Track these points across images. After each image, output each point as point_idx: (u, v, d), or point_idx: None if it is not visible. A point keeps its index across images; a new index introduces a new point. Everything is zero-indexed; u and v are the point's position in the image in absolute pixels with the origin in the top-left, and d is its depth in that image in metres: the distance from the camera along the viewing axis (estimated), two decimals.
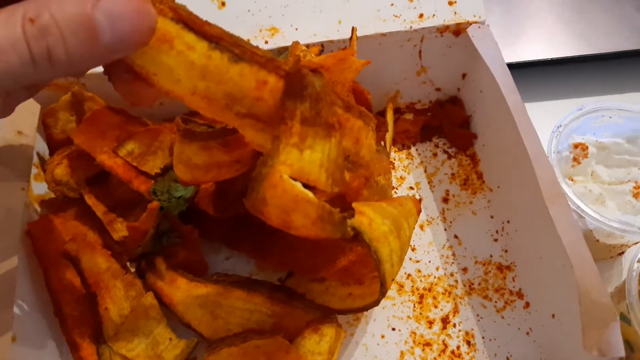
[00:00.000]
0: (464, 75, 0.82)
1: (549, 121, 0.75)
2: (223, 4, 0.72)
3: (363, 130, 0.55)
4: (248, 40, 0.70)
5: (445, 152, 0.84)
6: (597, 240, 0.71)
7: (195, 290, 0.65)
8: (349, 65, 0.62)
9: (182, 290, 0.66)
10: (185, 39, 0.43)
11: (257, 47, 0.46)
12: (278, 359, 0.59)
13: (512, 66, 0.72)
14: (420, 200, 0.79)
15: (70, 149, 0.69)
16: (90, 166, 0.69)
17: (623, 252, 0.76)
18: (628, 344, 0.64)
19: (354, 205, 0.51)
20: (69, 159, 0.68)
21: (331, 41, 0.73)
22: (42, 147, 0.74)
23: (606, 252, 0.74)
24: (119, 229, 0.68)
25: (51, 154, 0.74)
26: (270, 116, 0.47)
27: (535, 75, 0.91)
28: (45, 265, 0.65)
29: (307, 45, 0.72)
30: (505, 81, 0.69)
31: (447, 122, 0.84)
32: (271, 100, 0.47)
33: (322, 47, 0.72)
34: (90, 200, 0.68)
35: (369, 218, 0.52)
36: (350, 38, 0.68)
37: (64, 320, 0.65)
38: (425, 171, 0.82)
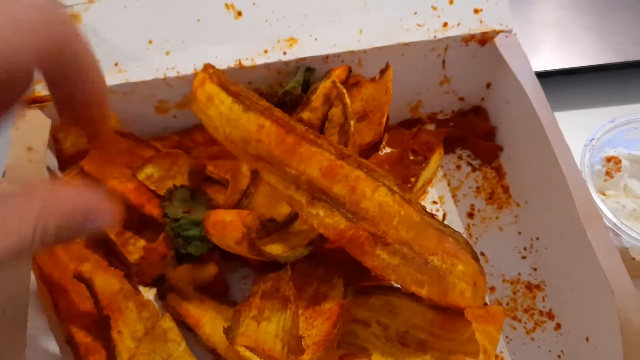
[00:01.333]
0: (488, 85, 0.79)
1: (577, 131, 0.72)
2: (240, 13, 0.69)
3: (363, 181, 0.56)
4: (265, 51, 0.68)
5: (470, 164, 0.80)
6: (633, 259, 0.68)
7: (224, 312, 0.63)
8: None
9: (210, 312, 0.63)
10: (220, 96, 0.60)
11: (261, 99, 0.60)
12: None
13: (537, 75, 0.69)
14: (444, 215, 0.76)
15: (77, 168, 0.66)
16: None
17: None
18: None
19: (480, 343, 0.55)
20: (77, 179, 0.66)
21: (352, 52, 0.70)
22: (52, 162, 0.71)
23: None
24: (133, 251, 0.65)
25: (61, 168, 0.72)
26: (271, 157, 0.58)
27: (561, 84, 0.88)
28: (53, 292, 0.63)
29: (327, 57, 0.69)
30: (535, 94, 0.66)
31: (470, 133, 0.80)
32: (267, 141, 0.58)
33: (350, 70, 0.70)
34: None
35: (488, 357, 0.55)
36: (384, 73, 0.68)
37: (76, 349, 0.63)
38: (449, 184, 0.79)
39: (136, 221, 0.67)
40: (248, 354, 0.53)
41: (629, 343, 0.54)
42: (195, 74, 0.68)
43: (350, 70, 0.69)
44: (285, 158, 0.57)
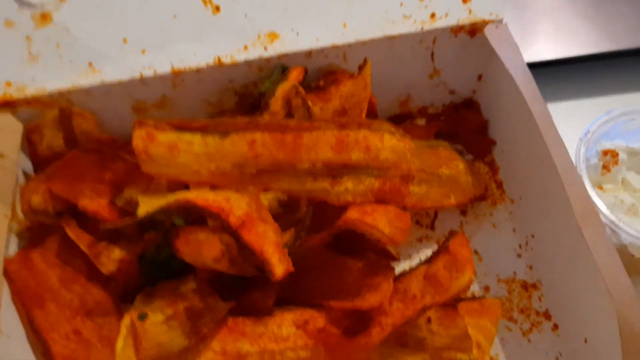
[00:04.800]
0: (479, 77, 0.76)
1: (573, 122, 0.70)
2: (218, 8, 0.66)
3: (371, 137, 0.59)
4: (245, 47, 0.66)
5: None
6: (633, 256, 0.65)
7: None
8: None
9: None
10: (185, 139, 0.56)
11: (236, 117, 0.59)
12: None
13: (530, 66, 0.66)
14: (436, 213, 0.73)
15: (46, 173, 0.63)
16: None
17: None
18: None
19: (472, 338, 0.56)
20: (47, 185, 0.63)
21: (336, 46, 0.67)
22: (27, 166, 0.69)
23: None
24: (107, 263, 0.62)
25: (36, 171, 0.69)
26: (277, 164, 0.57)
27: (554, 74, 0.85)
28: (28, 305, 0.60)
29: (310, 52, 0.66)
30: (527, 87, 0.63)
31: (462, 127, 0.78)
32: (266, 152, 0.56)
33: (306, 71, 0.67)
34: (72, 232, 0.63)
35: (483, 351, 0.58)
36: (362, 68, 0.65)
37: None
38: None
39: (110, 231, 0.65)
40: None
41: (627, 346, 0.52)
42: (174, 73, 0.65)
43: (306, 71, 0.67)
44: (292, 157, 0.57)
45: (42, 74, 0.64)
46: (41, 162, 0.67)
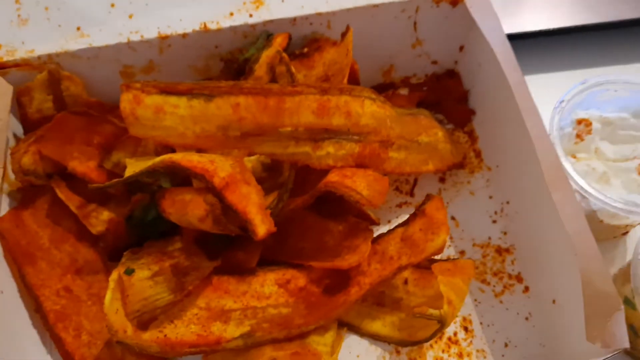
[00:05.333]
0: (461, 48, 0.78)
1: (551, 94, 0.71)
2: None
3: (352, 102, 0.60)
4: (231, 13, 0.67)
5: None
6: (601, 221, 0.68)
7: None
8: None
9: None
10: (171, 101, 0.57)
11: (220, 81, 0.59)
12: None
13: (511, 37, 0.68)
14: (416, 180, 0.76)
15: (36, 134, 0.65)
16: None
17: (627, 232, 0.73)
18: (632, 328, 0.62)
19: (444, 295, 0.60)
20: (37, 146, 0.64)
21: (320, 14, 0.68)
22: (17, 128, 0.70)
23: (610, 233, 0.72)
24: (96, 224, 0.64)
25: (26, 133, 0.70)
26: (260, 128, 0.58)
27: (536, 46, 0.87)
28: (20, 262, 0.62)
29: (295, 19, 0.68)
30: (505, 56, 0.65)
31: (444, 97, 0.80)
32: (250, 115, 0.57)
33: (290, 38, 0.69)
34: (62, 193, 0.65)
35: (453, 307, 0.60)
36: (345, 36, 0.67)
37: (46, 317, 0.63)
38: None
39: (99, 193, 0.66)
40: None
41: (591, 303, 0.55)
42: (161, 37, 0.67)
43: (290, 38, 0.68)
44: (275, 120, 0.59)
45: (31, 37, 0.65)
46: (31, 125, 0.69)
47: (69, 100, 0.68)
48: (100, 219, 0.66)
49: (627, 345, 0.53)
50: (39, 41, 0.65)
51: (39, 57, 0.65)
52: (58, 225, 0.68)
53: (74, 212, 0.66)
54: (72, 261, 0.67)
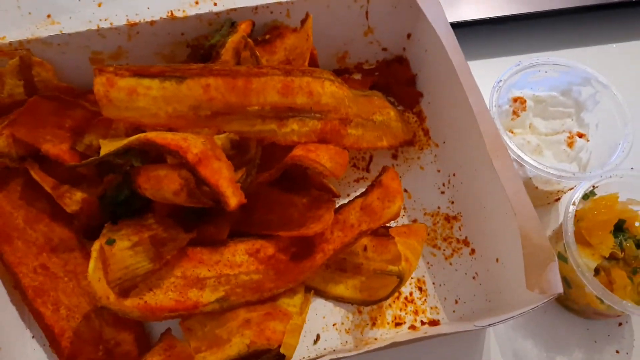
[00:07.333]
0: (409, 35, 0.84)
1: (490, 77, 0.78)
2: None
3: (313, 83, 0.66)
4: (196, 2, 0.71)
5: None
6: (536, 188, 0.76)
7: None
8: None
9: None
10: (143, 83, 0.60)
11: (190, 64, 0.63)
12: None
13: (454, 25, 0.74)
14: (371, 157, 0.82)
15: (9, 118, 0.67)
16: None
17: (559, 199, 0.82)
18: (565, 280, 0.70)
19: (401, 253, 0.65)
20: (10, 129, 0.67)
21: (280, 3, 0.73)
22: None
23: (544, 199, 0.80)
24: (70, 204, 0.67)
25: None
26: (229, 107, 0.62)
27: (476, 33, 0.95)
28: None
29: (256, 8, 0.73)
30: (449, 41, 0.72)
31: (394, 81, 0.86)
32: (219, 95, 0.61)
33: (254, 24, 0.73)
34: (37, 174, 0.67)
35: (410, 264, 0.66)
36: (304, 22, 0.71)
37: (25, 292, 0.65)
38: None
39: (72, 175, 0.69)
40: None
41: (529, 256, 0.62)
42: (129, 25, 0.70)
43: (253, 25, 0.73)
44: (243, 100, 0.63)
45: (2, 24, 0.67)
46: (3, 109, 0.70)
47: (40, 86, 0.71)
48: (74, 199, 0.69)
49: (561, 290, 0.59)
50: (10, 28, 0.67)
51: (10, 44, 0.68)
52: (31, 207, 0.71)
53: (48, 192, 0.68)
54: (47, 240, 0.70)
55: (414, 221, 0.78)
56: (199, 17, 0.71)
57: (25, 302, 0.66)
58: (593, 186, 0.71)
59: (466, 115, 0.70)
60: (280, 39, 0.73)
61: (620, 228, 0.70)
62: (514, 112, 0.77)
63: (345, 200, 0.73)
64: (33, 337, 0.67)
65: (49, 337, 0.66)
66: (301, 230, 0.67)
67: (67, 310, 0.67)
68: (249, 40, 0.68)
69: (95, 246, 0.60)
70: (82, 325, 0.67)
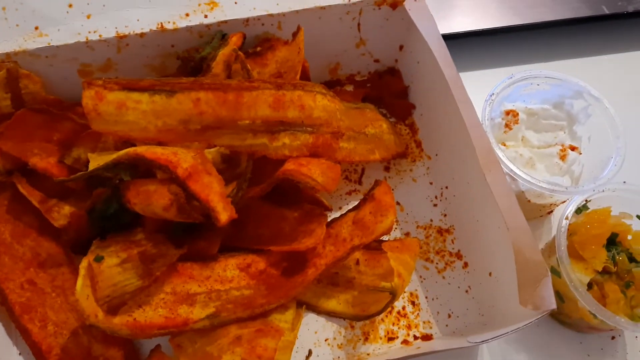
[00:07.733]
0: (401, 47, 0.84)
1: (483, 88, 0.78)
2: None
3: (305, 97, 0.66)
4: (187, 14, 0.70)
5: None
6: (529, 201, 0.75)
7: None
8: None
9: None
10: (133, 97, 0.59)
11: (180, 78, 0.62)
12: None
13: (445, 37, 0.74)
14: (363, 169, 0.82)
15: None
16: None
17: (552, 211, 0.81)
18: (559, 294, 0.70)
19: (394, 269, 0.64)
20: None
21: (271, 15, 0.73)
22: None
23: (537, 212, 0.80)
24: (58, 218, 0.66)
25: None
26: (219, 121, 0.61)
27: (468, 45, 0.95)
28: None
29: (248, 20, 0.72)
30: (441, 54, 0.72)
31: (386, 92, 0.86)
32: (210, 109, 0.61)
33: (244, 37, 0.73)
34: (24, 188, 0.66)
35: (402, 280, 0.65)
36: (296, 35, 0.71)
37: (12, 309, 0.64)
38: None
39: (60, 188, 0.68)
40: None
41: (522, 271, 0.61)
42: (118, 37, 0.69)
43: (244, 37, 0.72)
44: (234, 114, 0.62)
45: None
46: None
47: (28, 98, 0.70)
48: (62, 213, 0.68)
49: (554, 306, 0.59)
50: None
51: None
52: (19, 221, 0.70)
53: (36, 206, 0.68)
54: (34, 255, 0.69)
55: (407, 234, 0.77)
56: (189, 29, 0.71)
57: (12, 319, 0.65)
58: (586, 200, 0.71)
59: (459, 127, 0.70)
60: (272, 51, 0.73)
61: (613, 242, 0.70)
62: (507, 125, 0.77)
63: (338, 214, 0.72)
64: (20, 354, 0.66)
65: (37, 354, 0.64)
66: (293, 245, 0.67)
67: (55, 326, 0.66)
68: (240, 52, 0.68)
69: (83, 263, 0.59)
70: (70, 341, 0.65)
